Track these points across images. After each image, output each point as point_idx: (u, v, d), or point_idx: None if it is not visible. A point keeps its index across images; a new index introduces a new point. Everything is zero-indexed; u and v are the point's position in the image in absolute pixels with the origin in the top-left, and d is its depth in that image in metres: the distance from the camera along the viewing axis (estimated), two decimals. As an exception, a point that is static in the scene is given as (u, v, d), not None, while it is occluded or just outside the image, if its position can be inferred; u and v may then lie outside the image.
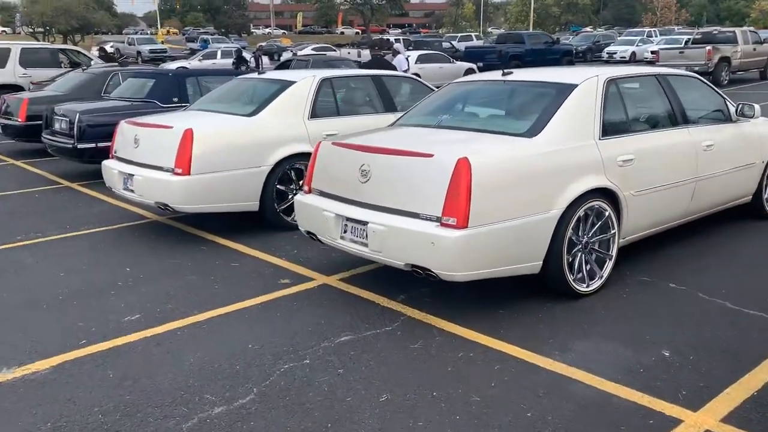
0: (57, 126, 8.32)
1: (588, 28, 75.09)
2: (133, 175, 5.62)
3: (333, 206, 4.22)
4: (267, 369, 3.35)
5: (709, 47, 19.91)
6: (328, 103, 6.27)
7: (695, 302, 4.09)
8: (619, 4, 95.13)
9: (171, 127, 5.50)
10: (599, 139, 4.18)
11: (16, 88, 13.66)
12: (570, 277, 4.02)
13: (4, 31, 66.53)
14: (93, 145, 7.81)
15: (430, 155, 3.72)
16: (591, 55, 37.04)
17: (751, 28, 25.59)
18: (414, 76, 7.21)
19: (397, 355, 3.46)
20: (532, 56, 26.41)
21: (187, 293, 4.46)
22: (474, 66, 24.86)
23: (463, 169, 3.55)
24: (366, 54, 30.55)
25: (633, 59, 34.30)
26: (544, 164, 3.85)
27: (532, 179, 3.78)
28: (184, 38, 59.59)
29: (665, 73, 4.97)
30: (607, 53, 35.54)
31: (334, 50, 36.41)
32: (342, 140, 4.39)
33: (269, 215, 5.81)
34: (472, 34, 46.31)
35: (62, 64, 15.36)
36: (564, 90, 4.22)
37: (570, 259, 4.01)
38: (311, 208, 4.42)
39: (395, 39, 40.76)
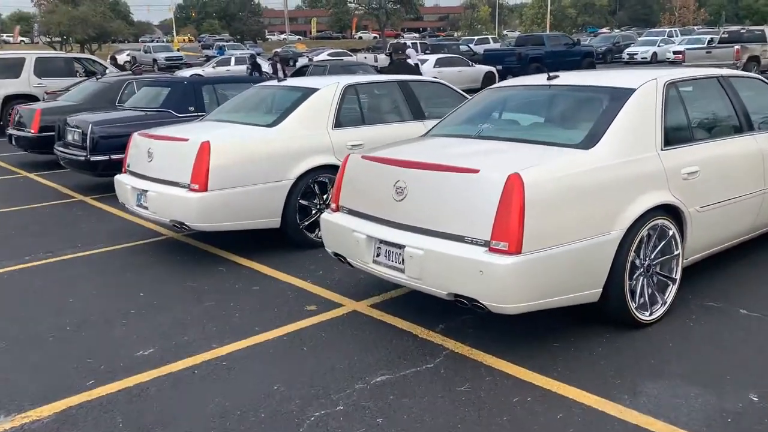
0: (69, 137, 8.02)
1: (605, 29, 74.27)
2: (146, 191, 5.26)
3: (364, 227, 3.82)
4: (296, 417, 2.95)
5: (737, 46, 19.31)
6: (352, 111, 5.89)
7: (773, 332, 3.64)
8: (636, 4, 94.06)
9: (186, 140, 5.14)
10: (661, 149, 3.74)
11: (31, 98, 13.46)
12: (632, 305, 3.58)
13: (23, 40, 67.17)
14: (106, 157, 7.49)
15: (475, 171, 3.31)
16: (611, 57, 36.43)
17: (779, 26, 24.89)
18: (443, 81, 6.80)
19: (443, 401, 3.05)
20: (552, 58, 25.87)
21: (205, 322, 4.07)
22: (494, 69, 24.42)
23: (514, 186, 3.13)
24: (383, 58, 30.28)
25: (654, 60, 33.66)
26: (603, 180, 3.42)
27: (591, 197, 3.35)
28: (200, 45, 59.73)
29: (727, 74, 4.51)
30: (627, 54, 34.93)
31: (350, 55, 36.16)
32: (373, 153, 3.99)
33: (292, 232, 5.42)
34: (489, 36, 45.81)
35: (77, 73, 15.18)
36: (620, 95, 3.78)
37: (631, 285, 3.57)
38: (339, 229, 4.02)
39: (411, 43, 40.44)
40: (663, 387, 3.08)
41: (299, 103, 5.62)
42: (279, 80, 6.20)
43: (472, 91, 6.99)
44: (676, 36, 37.66)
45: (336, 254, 4.16)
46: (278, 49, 49.28)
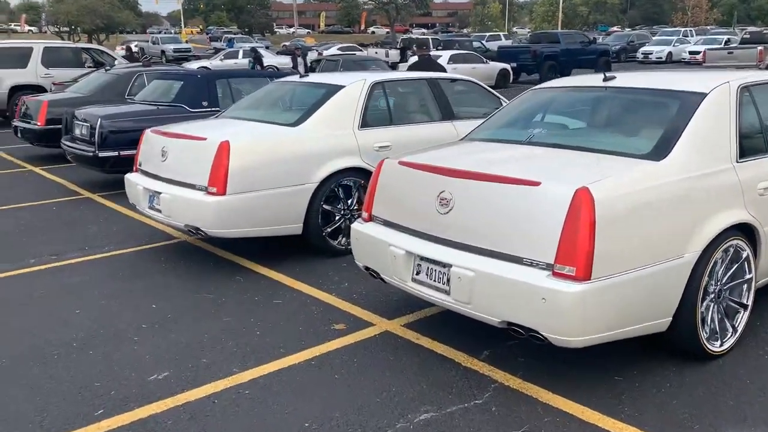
0: (77, 131, 7.67)
1: (616, 28, 73.59)
2: (160, 192, 4.90)
3: (402, 241, 3.46)
4: (333, 463, 2.59)
5: (760, 47, 18.83)
6: (379, 110, 5.51)
7: None
8: (647, 3, 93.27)
9: (204, 139, 4.77)
10: (736, 161, 3.36)
11: (38, 89, 13.11)
12: (702, 335, 3.20)
13: (31, 30, 66.90)
14: (115, 153, 7.14)
15: (536, 183, 2.93)
16: (625, 56, 35.89)
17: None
18: (473, 79, 6.41)
19: (499, 446, 2.68)
20: (567, 56, 25.45)
21: (224, 341, 3.71)
22: (508, 66, 24.00)
23: (583, 203, 2.75)
24: (394, 53, 29.82)
25: (669, 60, 33.13)
26: (676, 196, 3.04)
27: (664, 216, 2.98)
28: (208, 38, 59.32)
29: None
30: (642, 53, 34.41)
31: (361, 50, 35.71)
32: (412, 159, 3.61)
33: (314, 239, 5.06)
34: (501, 33, 45.27)
35: (85, 64, 14.82)
36: (690, 100, 3.40)
37: (702, 313, 3.19)
38: (373, 241, 3.65)
39: (415, 37, 39.88)
40: (749, 435, 2.71)
41: (324, 101, 5.25)
42: (301, 76, 5.82)
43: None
44: (691, 36, 37.12)
45: (367, 268, 3.80)
46: (287, 43, 48.70)
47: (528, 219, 2.91)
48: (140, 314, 4.12)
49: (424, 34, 54.09)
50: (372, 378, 3.26)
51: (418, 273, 3.38)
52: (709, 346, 3.26)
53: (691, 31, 39.57)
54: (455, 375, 3.26)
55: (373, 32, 72.59)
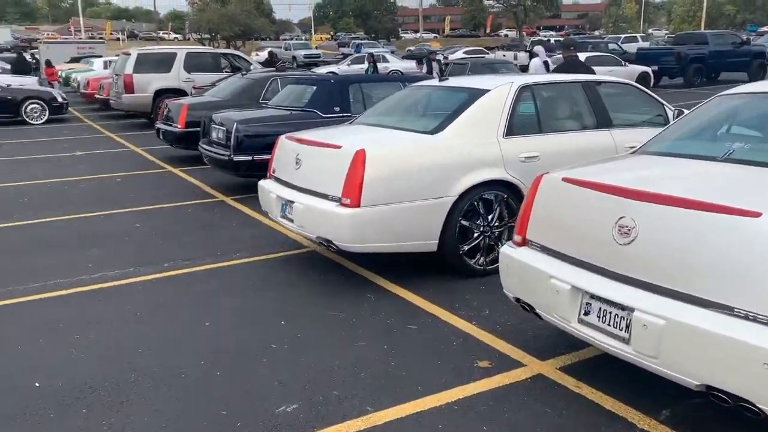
0: (214, 135, 7.76)
1: (766, 28, 67.30)
2: (292, 202, 4.69)
3: (567, 273, 2.94)
4: None
5: None
6: (527, 116, 4.99)
7: None
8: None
9: (339, 147, 4.49)
10: None
11: (180, 92, 13.75)
12: None
13: (177, 37, 72.01)
14: (249, 158, 7.12)
15: (756, 214, 2.32)
16: (782, 58, 32.37)
17: None
18: (633, 83, 5.71)
19: None
20: (716, 59, 23.38)
21: (356, 370, 3.38)
22: (648, 69, 22.33)
23: (826, 244, 2.11)
24: (522, 56, 28.83)
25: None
26: None
27: None
28: (336, 43, 60.90)
29: None
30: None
31: (487, 53, 34.99)
32: (580, 176, 3.09)
33: (450, 257, 4.64)
34: (638, 35, 42.65)
35: (223, 69, 15.40)
36: None
37: None
38: (528, 271, 3.16)
39: (545, 39, 38.42)
40: None
41: (465, 107, 4.81)
42: (440, 80, 5.43)
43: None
44: None
45: (518, 300, 3.32)
46: (412, 48, 48.78)
47: (743, 259, 2.30)
48: (269, 332, 3.89)
49: (552, 36, 52.17)
50: (527, 434, 2.77)
51: (586, 313, 2.85)
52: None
53: None
54: (631, 440, 2.70)
55: (506, 35, 70.41)
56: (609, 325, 2.73)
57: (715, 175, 2.89)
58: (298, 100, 7.99)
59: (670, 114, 5.41)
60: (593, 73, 7.21)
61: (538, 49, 17.56)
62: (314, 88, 7.92)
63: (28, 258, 5.44)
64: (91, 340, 3.83)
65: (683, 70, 22.90)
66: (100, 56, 28.93)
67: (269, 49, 42.54)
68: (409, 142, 4.64)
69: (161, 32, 77.05)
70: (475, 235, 4.69)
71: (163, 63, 14.17)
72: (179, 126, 9.38)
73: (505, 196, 4.73)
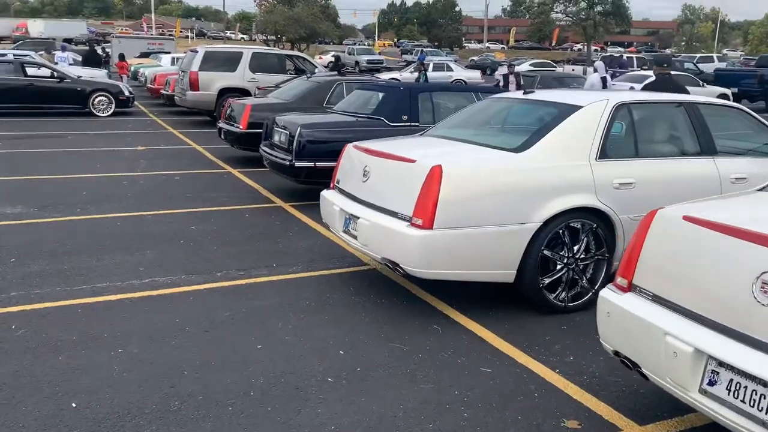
0: (276, 138, 7.50)
1: None
2: (357, 217, 4.32)
3: (689, 333, 2.45)
4: None
5: None
6: (622, 138, 4.49)
7: None
8: None
9: (413, 161, 4.09)
10: None
11: (244, 92, 13.66)
12: None
13: (243, 38, 73.42)
14: (311, 164, 6.81)
15: None
16: None
17: None
18: (740, 106, 5.12)
19: None
20: (803, 82, 21.94)
21: (423, 420, 2.96)
22: (728, 92, 21.16)
23: None
24: (590, 71, 27.90)
25: None
26: None
27: None
28: (399, 50, 60.81)
29: None
30: None
31: (554, 66, 34.11)
32: (708, 216, 2.59)
33: (528, 290, 4.17)
34: (714, 55, 40.88)
35: (288, 71, 15.27)
36: None
37: None
38: (636, 323, 2.68)
39: (618, 54, 37.15)
40: None
41: (555, 124, 4.34)
42: (525, 92, 4.97)
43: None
44: None
45: (617, 353, 2.84)
46: (475, 57, 48.09)
47: None
48: (326, 362, 3.51)
49: (621, 51, 50.59)
50: None
51: (711, 383, 2.35)
52: None
53: None
54: None
55: (580, 50, 68.10)
56: (742, 401, 2.23)
57: None
58: (364, 106, 7.65)
59: (782, 143, 4.80)
60: (686, 92, 6.61)
61: (598, 64, 16.81)
62: (382, 94, 7.57)
63: (79, 257, 5.25)
64: (135, 356, 3.54)
65: (766, 93, 21.62)
66: (169, 53, 29.52)
67: (333, 52, 42.83)
68: (491, 159, 4.20)
69: (229, 32, 78.71)
70: (558, 267, 4.21)
71: (229, 62, 14.11)
72: (241, 126, 9.17)
73: (594, 225, 4.23)
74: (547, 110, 4.60)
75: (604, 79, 15.35)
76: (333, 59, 20.44)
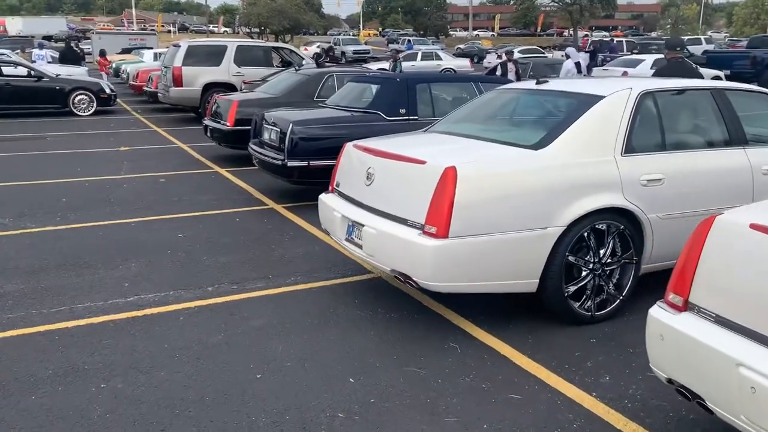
0: (266, 136, 7.07)
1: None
2: (362, 225, 3.92)
3: (764, 361, 2.09)
4: None
5: None
6: (649, 130, 4.10)
7: None
8: None
9: (423, 162, 3.70)
10: None
11: (230, 87, 13.18)
12: None
13: (226, 31, 72.36)
14: (305, 163, 6.40)
15: None
16: None
17: None
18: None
19: None
20: (795, 63, 21.69)
21: (451, 463, 2.59)
22: (721, 74, 20.89)
23: None
24: (583, 57, 27.48)
25: None
26: None
27: None
28: (386, 40, 60.16)
29: None
30: None
31: (542, 52, 33.77)
32: (783, 226, 2.22)
33: (552, 300, 3.80)
34: (702, 37, 40.64)
35: (274, 64, 14.79)
36: None
37: None
38: (699, 349, 2.31)
39: (607, 39, 36.84)
40: None
41: (575, 117, 3.95)
42: (538, 81, 4.57)
43: None
44: None
45: (671, 381, 2.47)
46: (462, 45, 47.73)
47: None
48: (335, 393, 3.12)
49: (605, 37, 50.22)
50: None
51: (801, 425, 1.99)
52: None
53: None
54: None
55: (570, 35, 67.06)
56: None
57: None
58: (358, 99, 7.23)
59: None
60: (701, 77, 6.25)
61: (570, 50, 16.45)
62: (377, 87, 7.16)
63: (58, 273, 4.82)
64: (119, 392, 3.13)
65: (759, 74, 21.34)
66: (151, 48, 28.84)
67: (318, 43, 42.16)
68: (509, 158, 3.80)
69: (212, 25, 77.62)
70: (583, 273, 3.84)
71: (213, 56, 13.60)
72: (228, 123, 8.73)
73: (621, 226, 3.86)
74: (564, 101, 4.22)
75: (578, 65, 14.98)
76: (318, 51, 19.89)
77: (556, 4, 59.56)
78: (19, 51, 24.85)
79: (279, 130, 6.69)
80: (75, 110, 15.13)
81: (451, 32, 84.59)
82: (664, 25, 75.45)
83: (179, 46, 13.74)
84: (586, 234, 3.78)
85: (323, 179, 5.23)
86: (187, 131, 12.68)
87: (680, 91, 4.38)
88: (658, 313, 2.54)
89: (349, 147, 4.44)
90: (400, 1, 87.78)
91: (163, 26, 66.16)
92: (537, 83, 4.61)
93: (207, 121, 9.45)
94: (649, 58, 19.71)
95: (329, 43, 43.98)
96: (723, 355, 2.22)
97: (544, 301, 3.83)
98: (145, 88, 16.68)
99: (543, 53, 31.70)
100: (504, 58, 16.07)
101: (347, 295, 4.42)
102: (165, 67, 14.22)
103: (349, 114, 6.81)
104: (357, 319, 4.01)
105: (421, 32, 72.83)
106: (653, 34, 67.12)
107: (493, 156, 3.82)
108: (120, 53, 29.95)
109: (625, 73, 19.12)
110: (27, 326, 3.88)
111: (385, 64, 28.56)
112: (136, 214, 6.50)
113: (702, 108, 4.37)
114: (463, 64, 30.58)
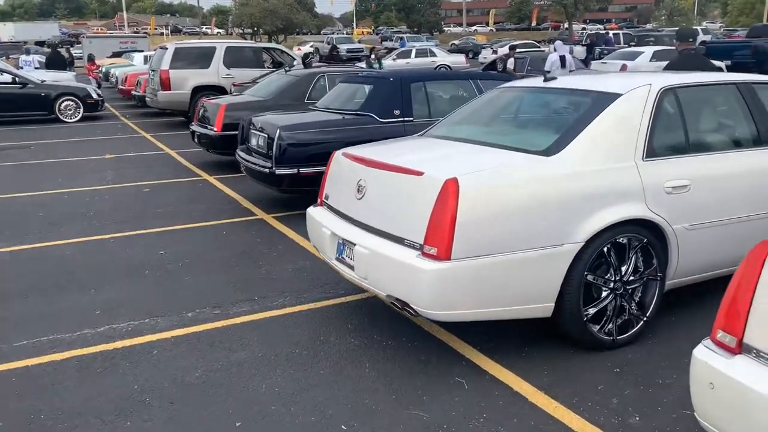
0: (253, 142, 6.65)
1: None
2: (354, 243, 3.50)
3: None
4: None
5: None
6: (671, 131, 3.69)
7: None
8: None
9: (420, 174, 3.28)
10: None
11: (219, 90, 12.75)
12: None
13: (219, 32, 71.87)
14: (294, 171, 5.98)
15: None
16: None
17: None
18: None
19: None
20: (798, 52, 21.28)
21: None
22: (722, 64, 20.45)
23: None
24: (579, 50, 27.05)
25: None
26: None
27: None
28: (379, 38, 59.69)
29: None
30: None
31: (538, 47, 33.34)
32: None
33: (570, 325, 3.38)
34: (698, 28, 40.25)
35: (265, 64, 14.35)
36: None
37: None
38: (762, 403, 1.90)
39: (604, 32, 36.43)
40: None
41: (590, 118, 3.53)
42: (546, 79, 4.16)
43: None
44: None
45: (726, 436, 2.06)
46: (456, 41, 47.25)
47: None
48: (326, 444, 2.71)
49: (601, 29, 49.70)
50: None
51: None
52: None
53: None
54: None
55: (566, 28, 66.58)
56: None
57: None
58: (350, 101, 6.82)
59: None
60: (719, 70, 5.83)
61: (557, 44, 16.11)
62: (369, 87, 6.74)
63: (23, 300, 4.40)
64: (77, 450, 2.72)
65: (760, 64, 20.93)
66: (142, 51, 28.36)
67: (312, 43, 41.70)
68: (517, 166, 3.37)
69: (205, 27, 77.10)
70: (604, 293, 3.42)
71: (202, 58, 13.16)
72: (216, 129, 8.30)
73: (644, 239, 3.45)
74: (576, 100, 3.80)
75: (562, 58, 14.62)
76: (312, 50, 19.46)
77: (549, -1, 59.10)
78: (3, 58, 24.36)
79: (266, 135, 6.27)
80: (61, 117, 14.71)
81: (445, 28, 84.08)
82: (658, 17, 75.02)
83: (166, 49, 13.30)
84: (605, 249, 3.37)
85: (314, 187, 4.83)
86: (176, 137, 12.26)
87: (704, 86, 3.95)
88: (705, 355, 2.13)
89: (338, 155, 4.02)
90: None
91: (156, 29, 65.61)
92: (545, 80, 4.19)
93: (194, 127, 9.02)
94: (648, 50, 19.28)
95: (323, 42, 43.55)
96: (794, 414, 1.81)
97: (560, 325, 3.41)
98: (134, 93, 16.25)
99: (539, 47, 31.22)
100: (509, 52, 15.70)
101: (339, 319, 4.00)
102: (152, 70, 13.78)
103: (340, 117, 6.39)
104: (350, 350, 3.59)
105: (415, 29, 72.36)
106: (648, 26, 66.69)
107: (500, 164, 3.39)
108: (111, 57, 29.45)
109: (624, 66, 18.74)
110: (-19, 366, 3.46)
111: (385, 63, 28.13)
112: (115, 229, 6.08)
113: (728, 104, 3.96)
114: (458, 60, 30.19)
